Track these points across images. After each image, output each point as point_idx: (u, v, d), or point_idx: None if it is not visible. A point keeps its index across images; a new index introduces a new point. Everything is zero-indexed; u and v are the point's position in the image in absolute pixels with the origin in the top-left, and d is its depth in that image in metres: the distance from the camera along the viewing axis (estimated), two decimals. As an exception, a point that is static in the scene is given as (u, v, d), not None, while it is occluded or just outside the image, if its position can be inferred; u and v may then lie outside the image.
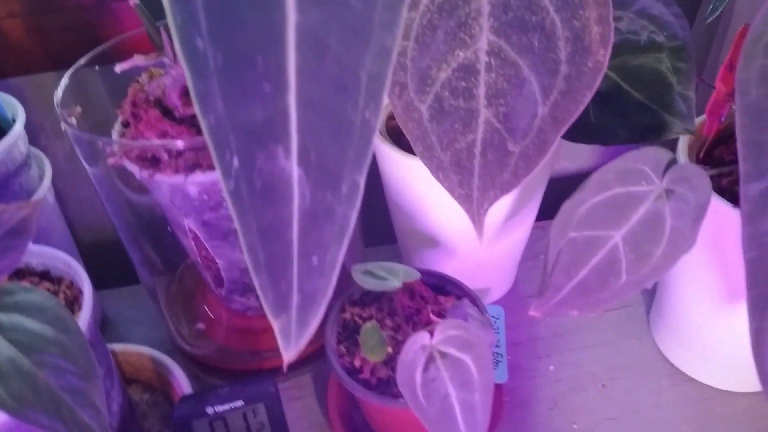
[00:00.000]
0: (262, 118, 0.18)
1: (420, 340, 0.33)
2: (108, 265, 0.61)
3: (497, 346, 0.48)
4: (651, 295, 0.54)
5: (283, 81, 0.18)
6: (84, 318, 0.35)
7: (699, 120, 0.42)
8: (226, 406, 0.42)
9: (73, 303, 0.39)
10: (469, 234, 0.49)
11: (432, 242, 0.51)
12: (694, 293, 0.44)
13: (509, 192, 0.35)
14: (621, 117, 0.39)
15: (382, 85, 0.19)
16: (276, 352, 0.52)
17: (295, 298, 0.23)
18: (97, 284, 0.62)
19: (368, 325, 0.36)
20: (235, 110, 0.18)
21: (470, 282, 0.54)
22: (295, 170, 0.20)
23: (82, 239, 0.69)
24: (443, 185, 0.36)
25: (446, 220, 0.47)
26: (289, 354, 0.24)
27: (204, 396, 0.43)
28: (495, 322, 0.49)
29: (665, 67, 0.38)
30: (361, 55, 0.18)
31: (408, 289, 0.42)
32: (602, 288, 0.35)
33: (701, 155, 0.42)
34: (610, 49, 0.30)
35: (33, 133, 0.57)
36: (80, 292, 0.39)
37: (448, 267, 0.51)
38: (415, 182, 0.46)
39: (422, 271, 0.45)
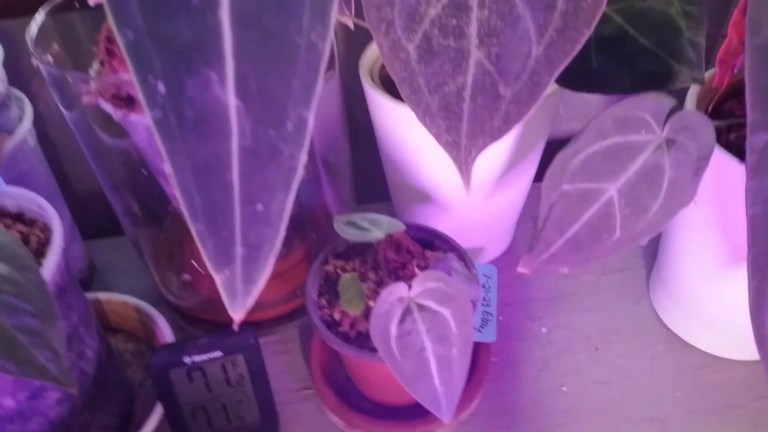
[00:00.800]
0: (190, 37, 0.16)
1: (397, 291, 0.31)
2: (101, 216, 0.60)
3: (488, 305, 0.46)
4: (651, 259, 0.52)
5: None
6: (52, 260, 0.34)
7: (710, 73, 0.39)
8: (204, 357, 0.41)
9: (45, 245, 0.38)
10: (462, 189, 0.47)
11: (425, 198, 0.49)
12: (695, 255, 0.42)
13: (499, 139, 0.33)
14: (625, 64, 0.36)
15: (329, 2, 0.17)
16: (261, 305, 0.51)
17: (239, 249, 0.21)
18: (90, 234, 0.61)
19: (347, 276, 0.34)
20: (157, 25, 0.16)
21: (465, 241, 0.52)
22: (232, 101, 0.18)
23: (76, 190, 0.68)
24: (430, 131, 0.34)
25: (438, 173, 0.45)
26: (236, 312, 0.22)
27: (182, 345, 0.42)
28: (487, 281, 0.48)
29: (675, 10, 0.35)
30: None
31: (394, 242, 0.40)
32: (595, 244, 0.33)
33: (710, 109, 0.39)
34: (611, -19, 0.28)
35: (22, 78, 0.56)
36: (52, 233, 0.38)
37: (442, 224, 0.49)
38: (407, 133, 0.44)
39: (410, 225, 0.43)
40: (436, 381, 0.30)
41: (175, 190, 0.20)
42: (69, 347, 0.38)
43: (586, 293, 0.52)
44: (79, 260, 0.57)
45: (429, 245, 0.42)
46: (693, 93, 0.39)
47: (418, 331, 0.30)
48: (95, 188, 0.70)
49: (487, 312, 0.46)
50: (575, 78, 0.38)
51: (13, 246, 0.27)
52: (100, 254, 0.60)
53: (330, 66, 0.44)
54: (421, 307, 0.31)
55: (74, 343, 0.39)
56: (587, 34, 0.29)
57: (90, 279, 0.59)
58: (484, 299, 0.47)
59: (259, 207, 0.21)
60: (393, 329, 0.30)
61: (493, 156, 0.43)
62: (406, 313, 0.31)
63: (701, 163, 0.29)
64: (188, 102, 0.19)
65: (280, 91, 0.19)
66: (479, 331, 0.45)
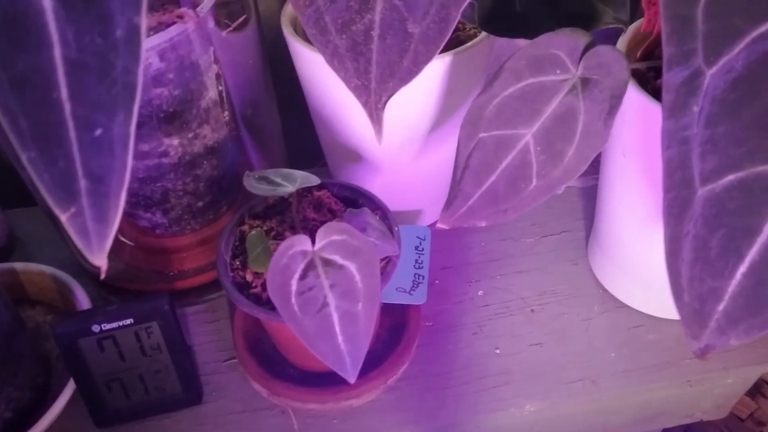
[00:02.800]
0: None
1: (298, 244, 0.29)
2: (22, 183, 0.57)
3: (420, 268, 0.44)
4: (591, 221, 0.51)
5: None
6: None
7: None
8: (115, 324, 0.39)
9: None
10: (389, 151, 0.45)
11: (357, 157, 0.46)
12: (627, 212, 0.41)
13: (409, 82, 0.30)
14: (549, 5, 0.34)
15: None
16: (185, 273, 0.48)
17: (82, 183, 0.18)
18: (12, 204, 0.58)
19: (252, 233, 0.32)
20: None
21: (402, 203, 0.51)
22: (47, 1, 0.16)
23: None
24: (339, 75, 0.31)
25: (365, 128, 0.43)
26: (93, 254, 0.19)
27: (91, 313, 0.39)
28: (420, 243, 0.46)
29: (600, -53, 0.34)
30: None
31: (314, 200, 0.38)
32: (511, 195, 0.31)
33: (641, 55, 0.38)
34: None
35: None
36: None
37: (377, 186, 0.48)
38: (331, 85, 0.42)
39: (333, 183, 0.41)
40: (340, 338, 0.28)
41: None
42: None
43: (524, 255, 0.50)
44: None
45: (353, 204, 0.40)
46: (624, 39, 0.37)
47: (321, 286, 0.28)
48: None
49: (418, 274, 0.44)
50: (499, 22, 0.36)
51: None
52: (23, 224, 0.57)
53: (242, 10, 0.41)
54: (326, 261, 0.29)
55: (-29, 312, 0.36)
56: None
57: (10, 249, 0.55)
58: (417, 261, 0.45)
59: (98, 132, 0.18)
60: (293, 285, 0.28)
61: (419, 107, 0.41)
62: (309, 267, 0.29)
63: (614, 102, 0.28)
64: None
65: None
66: (410, 293, 0.43)
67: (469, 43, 0.39)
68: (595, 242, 0.48)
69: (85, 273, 0.50)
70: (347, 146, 0.46)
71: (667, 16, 0.25)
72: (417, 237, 0.46)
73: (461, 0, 0.28)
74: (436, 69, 0.39)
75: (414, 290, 0.43)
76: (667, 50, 0.26)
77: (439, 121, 0.43)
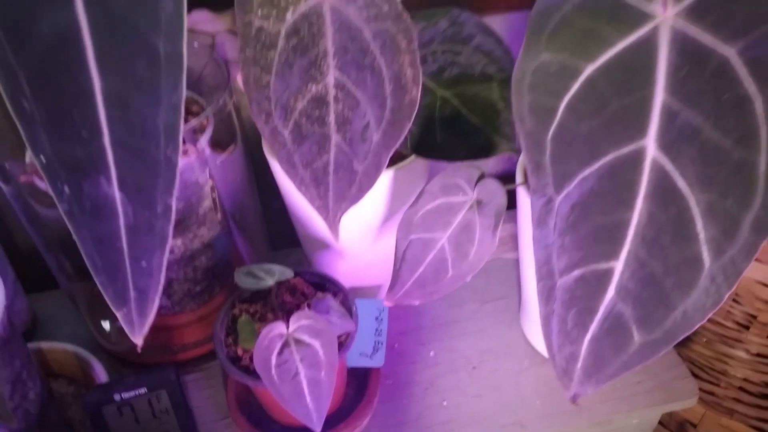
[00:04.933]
0: (83, 156, 0.25)
1: (276, 329, 0.39)
2: (43, 270, 0.66)
3: (379, 335, 0.54)
4: (524, 289, 0.62)
5: (97, 129, 0.24)
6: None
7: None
8: (132, 393, 0.48)
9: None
10: (351, 240, 0.56)
11: (324, 245, 0.57)
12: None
13: (357, 203, 0.41)
14: (461, 137, 0.46)
15: (176, 131, 0.25)
16: (186, 346, 0.58)
17: (132, 293, 0.29)
18: (34, 287, 0.67)
19: (242, 318, 0.42)
20: (60, 151, 0.24)
21: (365, 280, 0.61)
22: (117, 194, 0.27)
23: (20, 246, 0.74)
24: (305, 197, 0.42)
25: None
26: (135, 337, 0.30)
27: (112, 384, 0.49)
28: (380, 314, 0.56)
29: (495, 95, 0.45)
30: (156, 109, 0.24)
31: (290, 286, 0.48)
32: (435, 282, 0.42)
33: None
34: (420, 88, 0.37)
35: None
36: (-5, 294, 0.45)
37: (342, 267, 0.58)
38: (302, 196, 0.53)
39: (305, 272, 0.51)
40: (308, 398, 0.38)
41: (83, 256, 0.28)
42: (13, 390, 0.45)
43: (468, 319, 0.61)
44: (22, 313, 0.63)
45: (322, 287, 0.50)
46: (521, 161, 0.49)
47: (294, 359, 0.38)
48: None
49: (378, 341, 0.54)
50: (426, 149, 0.47)
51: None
52: (43, 306, 0.66)
53: (232, 141, 0.52)
54: (297, 341, 0.39)
55: (18, 386, 0.45)
56: (408, 125, 0.38)
57: (33, 329, 0.65)
58: (377, 330, 0.55)
59: (143, 264, 0.29)
60: (273, 359, 0.38)
61: (372, 208, 0.52)
62: (284, 345, 0.39)
63: (497, 220, 0.39)
64: (86, 197, 0.27)
65: (151, 187, 0.27)
66: (370, 357, 0.53)
67: (406, 161, 0.50)
68: (524, 307, 0.58)
69: (100, 348, 0.60)
70: (317, 238, 0.57)
71: (528, 159, 0.37)
72: (377, 308, 0.56)
73: (389, 149, 0.39)
74: (383, 179, 0.51)
75: (374, 355, 0.53)
76: (531, 182, 0.37)
77: (388, 217, 0.54)
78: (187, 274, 0.54)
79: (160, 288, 0.29)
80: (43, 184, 0.45)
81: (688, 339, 0.67)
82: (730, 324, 0.62)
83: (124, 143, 0.25)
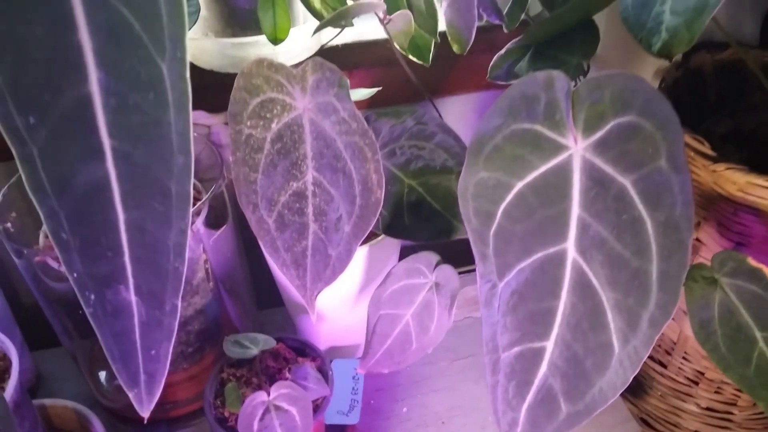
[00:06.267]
0: (108, 271, 0.31)
1: (259, 397, 0.45)
2: (46, 326, 0.71)
3: (355, 394, 0.60)
4: (488, 347, 0.68)
5: (120, 250, 0.30)
6: (11, 385, 0.46)
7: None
8: (129, 449, 0.53)
9: (5, 371, 0.50)
10: (331, 306, 0.62)
11: (306, 310, 0.63)
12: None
13: (331, 283, 0.48)
14: (425, 221, 0.52)
15: (183, 248, 0.31)
16: (178, 403, 0.63)
17: (142, 377, 0.35)
18: (35, 345, 0.72)
19: (229, 385, 0.48)
20: (89, 269, 0.30)
21: (344, 340, 0.67)
22: (133, 299, 0.33)
23: (23, 302, 0.79)
24: (286, 277, 0.49)
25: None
26: (144, 413, 0.36)
27: (111, 442, 0.54)
28: (356, 373, 0.62)
29: (454, 185, 0.52)
30: (168, 233, 0.31)
31: (273, 352, 0.54)
32: (401, 353, 0.48)
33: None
34: (383, 190, 0.44)
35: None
36: (10, 363, 0.50)
37: (322, 329, 0.64)
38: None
39: (287, 338, 0.57)
40: (286, 457, 0.43)
41: (102, 347, 0.34)
42: (21, 448, 0.50)
43: (439, 377, 0.66)
44: (28, 371, 0.68)
45: (302, 352, 0.56)
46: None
47: (273, 425, 0.44)
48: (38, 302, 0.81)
49: (354, 399, 0.59)
50: (395, 231, 0.54)
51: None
52: (46, 363, 0.71)
53: (223, 221, 0.59)
54: (277, 407, 0.45)
55: (25, 444, 0.50)
56: (374, 220, 0.45)
57: (37, 386, 0.70)
58: (353, 388, 0.61)
59: (153, 352, 0.35)
60: (255, 425, 0.44)
61: (350, 281, 0.59)
62: (266, 411, 0.44)
63: (452, 300, 0.45)
64: (108, 302, 0.33)
65: (161, 292, 0.34)
66: (347, 415, 0.58)
67: (379, 239, 0.57)
68: (487, 367, 0.64)
69: (99, 405, 0.65)
70: (299, 303, 0.63)
71: (475, 251, 0.43)
72: (353, 368, 0.62)
73: (358, 239, 0.46)
74: (359, 255, 0.57)
75: (350, 412, 0.58)
76: (478, 269, 0.44)
77: (364, 287, 0.60)
78: (180, 337, 0.60)
79: (166, 371, 0.35)
80: (55, 264, 0.51)
81: (644, 393, 0.73)
82: (681, 379, 0.68)
83: (141, 259, 0.31)
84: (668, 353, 0.66)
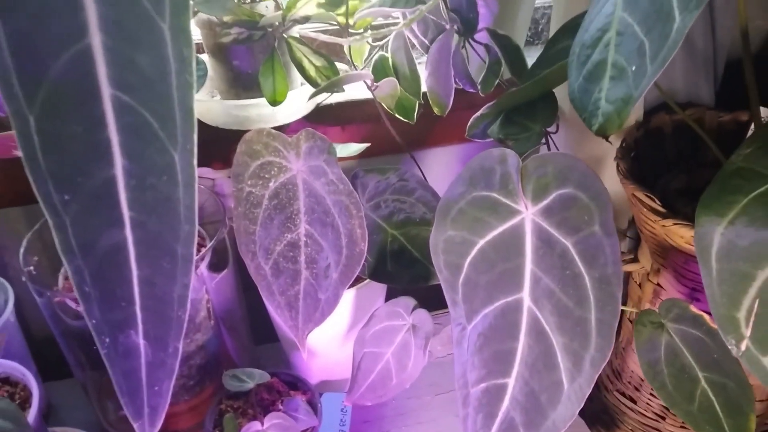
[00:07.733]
0: (121, 319, 0.36)
1: (253, 427, 0.50)
2: (57, 357, 0.77)
3: (343, 425, 0.65)
4: (470, 382, 0.72)
5: (132, 300, 0.36)
6: (32, 414, 0.52)
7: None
8: (134, 475, 0.58)
9: (25, 402, 0.55)
10: (322, 343, 0.67)
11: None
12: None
13: (321, 324, 0.53)
14: (406, 267, 0.58)
15: (186, 300, 0.37)
16: (180, 432, 0.68)
17: (146, 410, 0.40)
18: (46, 376, 0.77)
19: (227, 415, 0.53)
20: (106, 316, 0.36)
21: (334, 374, 0.72)
22: (141, 342, 0.38)
23: (36, 335, 0.84)
24: (280, 318, 0.54)
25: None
26: None
27: (118, 468, 0.59)
28: (344, 406, 0.67)
29: (433, 235, 0.58)
30: (173, 287, 0.36)
31: (267, 386, 0.59)
32: (383, 387, 0.53)
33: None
34: (366, 243, 0.49)
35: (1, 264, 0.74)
36: (30, 394, 0.56)
37: (314, 363, 0.69)
38: (281, 305, 0.64)
39: (280, 372, 0.62)
40: (277, 483, 0.48)
41: (113, 383, 0.39)
42: (36, 474, 0.55)
43: (423, 410, 0.71)
44: (41, 401, 0.73)
45: (294, 386, 0.61)
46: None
47: (266, 451, 0.49)
48: (52, 336, 0.87)
49: (342, 430, 0.64)
50: (379, 276, 0.59)
51: (12, 409, 0.45)
52: (55, 394, 0.76)
53: (224, 265, 0.65)
54: (269, 435, 0.50)
55: (41, 471, 0.55)
56: (358, 269, 0.50)
57: (48, 415, 0.75)
58: (341, 420, 0.65)
59: (156, 388, 0.40)
60: (250, 451, 0.49)
61: (339, 322, 0.64)
62: (260, 440, 0.49)
63: (426, 341, 0.50)
64: (120, 344, 0.39)
65: (165, 335, 0.39)
66: (335, 445, 0.63)
67: (365, 282, 0.62)
68: (467, 401, 0.69)
69: (106, 433, 0.69)
70: (293, 341, 0.68)
71: (447, 298, 0.49)
72: (342, 402, 0.67)
73: (344, 286, 0.51)
74: (347, 297, 0.62)
75: (338, 442, 0.63)
76: (450, 313, 0.49)
77: (353, 326, 0.65)
78: (182, 371, 0.65)
79: (167, 405, 0.40)
80: (73, 304, 0.57)
81: (616, 426, 0.77)
82: (650, 414, 0.72)
83: (150, 308, 0.37)
84: (637, 389, 0.71)
